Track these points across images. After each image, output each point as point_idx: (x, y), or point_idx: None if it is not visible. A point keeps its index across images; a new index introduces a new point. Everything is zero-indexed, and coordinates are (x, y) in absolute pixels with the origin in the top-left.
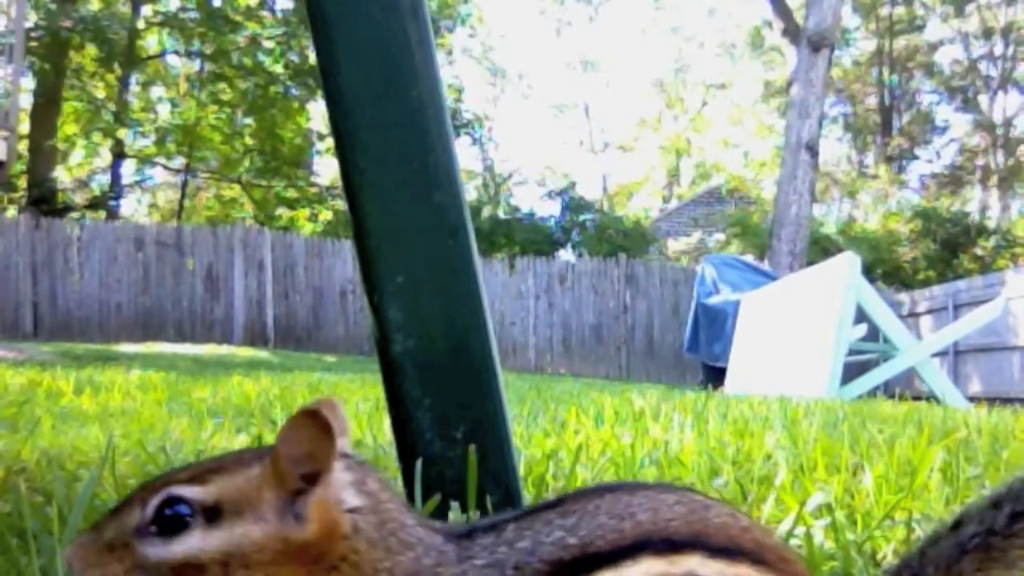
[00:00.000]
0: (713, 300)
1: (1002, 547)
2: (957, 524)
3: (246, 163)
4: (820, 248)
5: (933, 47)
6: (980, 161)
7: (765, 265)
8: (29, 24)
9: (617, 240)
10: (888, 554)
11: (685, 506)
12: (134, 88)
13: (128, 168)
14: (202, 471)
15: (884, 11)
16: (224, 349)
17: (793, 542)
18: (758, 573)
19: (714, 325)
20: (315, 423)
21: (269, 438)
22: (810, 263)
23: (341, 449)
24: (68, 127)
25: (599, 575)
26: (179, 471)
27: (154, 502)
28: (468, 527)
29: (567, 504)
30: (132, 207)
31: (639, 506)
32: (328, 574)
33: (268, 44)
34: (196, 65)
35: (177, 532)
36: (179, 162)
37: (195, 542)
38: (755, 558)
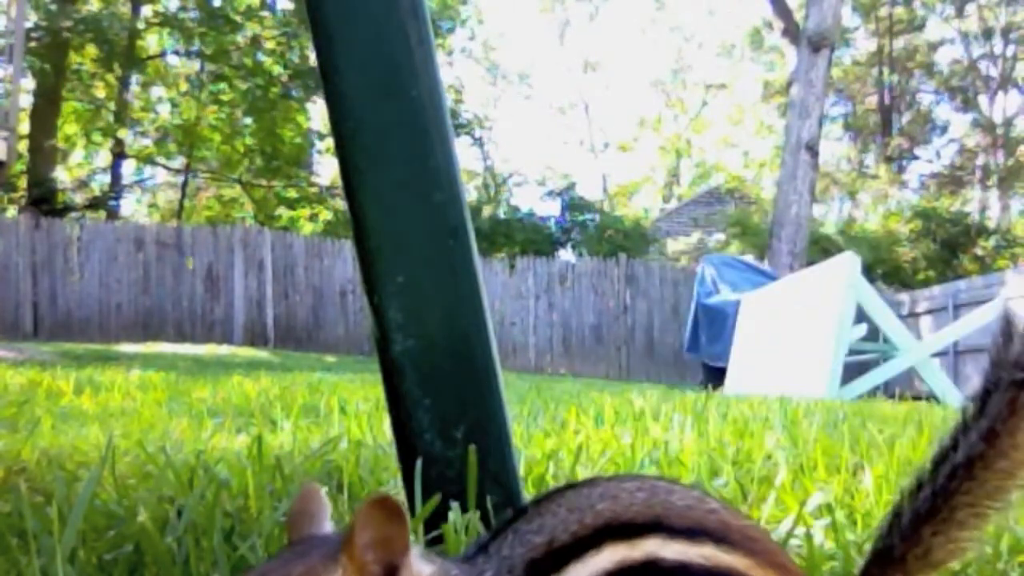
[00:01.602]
0: (713, 300)
1: (949, 506)
2: (914, 489)
3: (246, 163)
4: (820, 248)
5: (933, 47)
6: (980, 161)
7: (765, 265)
8: (29, 24)
9: (617, 240)
10: None
11: (646, 492)
12: (134, 88)
13: (128, 168)
14: None
15: (884, 11)
16: (224, 349)
17: (793, 542)
18: (721, 552)
19: (714, 325)
20: (386, 509)
21: (269, 438)
22: (810, 263)
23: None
24: (68, 127)
25: (568, 569)
26: None
27: None
28: (470, 552)
29: (531, 509)
30: (132, 207)
31: (599, 497)
32: None
33: (268, 44)
34: (196, 65)
35: None
36: (179, 162)
37: None
38: (718, 537)
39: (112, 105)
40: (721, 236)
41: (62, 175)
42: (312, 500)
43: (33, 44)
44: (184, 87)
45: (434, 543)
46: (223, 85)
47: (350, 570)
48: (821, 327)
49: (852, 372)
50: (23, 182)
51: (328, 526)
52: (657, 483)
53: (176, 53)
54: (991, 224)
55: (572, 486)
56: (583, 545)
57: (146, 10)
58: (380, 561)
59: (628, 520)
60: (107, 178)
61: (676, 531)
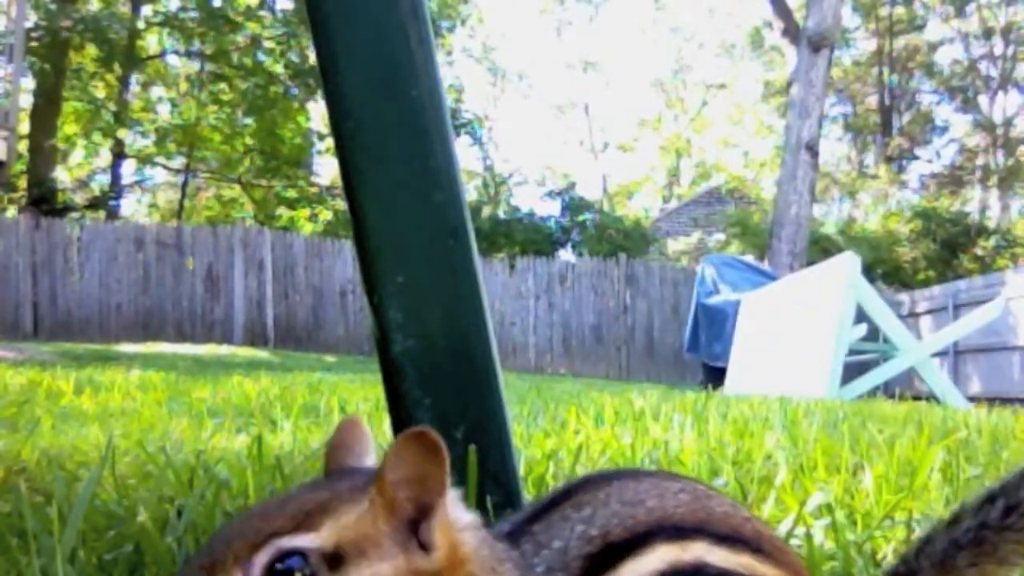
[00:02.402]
0: (713, 300)
1: (994, 541)
2: (955, 519)
3: (246, 163)
4: (820, 248)
5: (933, 47)
6: (980, 161)
7: (765, 265)
8: (29, 24)
9: (617, 240)
10: (888, 554)
11: (689, 494)
12: (134, 88)
13: (128, 168)
14: (304, 514)
15: (884, 11)
16: (224, 349)
17: (793, 542)
18: (758, 562)
19: (714, 325)
20: (424, 445)
21: (269, 438)
22: (810, 263)
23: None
24: (68, 127)
25: (623, 564)
26: (268, 516)
27: (261, 560)
28: (505, 530)
29: (578, 495)
30: (132, 207)
31: (646, 493)
32: None
33: (268, 44)
34: (196, 65)
35: None
36: (179, 162)
37: None
38: (755, 547)
39: (112, 105)
40: (721, 236)
41: (62, 175)
42: (352, 432)
43: (33, 44)
44: (184, 87)
45: None
46: (223, 85)
47: (378, 504)
48: (821, 327)
49: (852, 372)
50: (23, 182)
51: (370, 459)
52: (697, 485)
53: (176, 53)
54: (991, 224)
55: (618, 475)
56: (637, 542)
57: (146, 10)
58: (413, 500)
59: (677, 521)
60: (107, 178)
61: (719, 537)
